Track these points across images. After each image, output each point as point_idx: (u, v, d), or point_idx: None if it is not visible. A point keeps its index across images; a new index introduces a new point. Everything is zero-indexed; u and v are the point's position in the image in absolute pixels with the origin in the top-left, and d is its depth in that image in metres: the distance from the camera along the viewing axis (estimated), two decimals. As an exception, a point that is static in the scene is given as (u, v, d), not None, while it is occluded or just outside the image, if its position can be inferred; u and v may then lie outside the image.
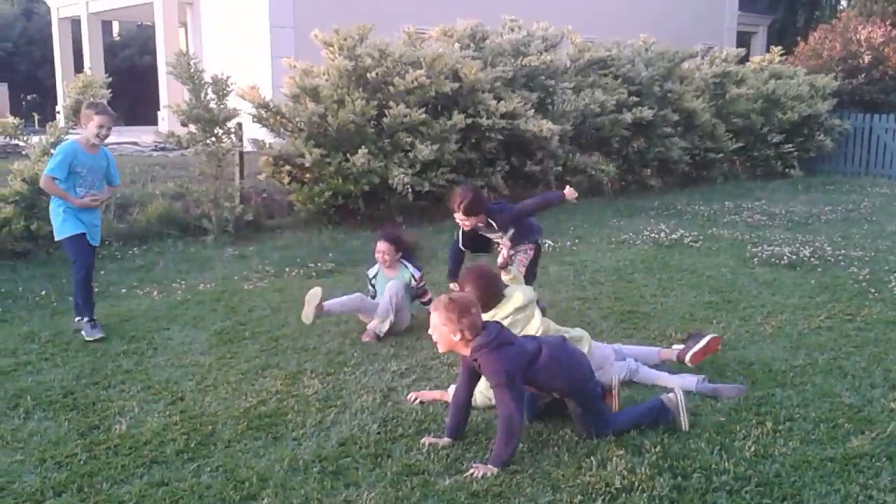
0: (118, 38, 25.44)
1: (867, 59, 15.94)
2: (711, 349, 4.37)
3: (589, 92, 10.96)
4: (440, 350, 3.59)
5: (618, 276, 6.77)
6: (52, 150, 7.56)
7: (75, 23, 20.17)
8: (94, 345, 4.98)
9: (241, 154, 9.35)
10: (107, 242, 7.56)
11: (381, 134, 9.10)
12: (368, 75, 9.03)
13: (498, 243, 5.06)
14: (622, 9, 18.74)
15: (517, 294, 4.21)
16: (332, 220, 9.19)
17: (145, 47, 22.76)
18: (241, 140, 9.15)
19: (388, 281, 5.29)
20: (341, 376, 4.41)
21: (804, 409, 3.88)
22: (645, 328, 5.29)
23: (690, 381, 4.12)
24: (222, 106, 8.46)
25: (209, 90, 8.42)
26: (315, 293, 5.11)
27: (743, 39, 23.25)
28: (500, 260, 4.54)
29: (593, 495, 3.09)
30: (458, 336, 3.41)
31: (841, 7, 26.91)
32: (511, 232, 5.06)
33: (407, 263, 5.43)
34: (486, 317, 3.78)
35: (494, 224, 5.02)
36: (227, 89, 8.47)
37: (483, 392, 3.74)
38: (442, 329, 3.44)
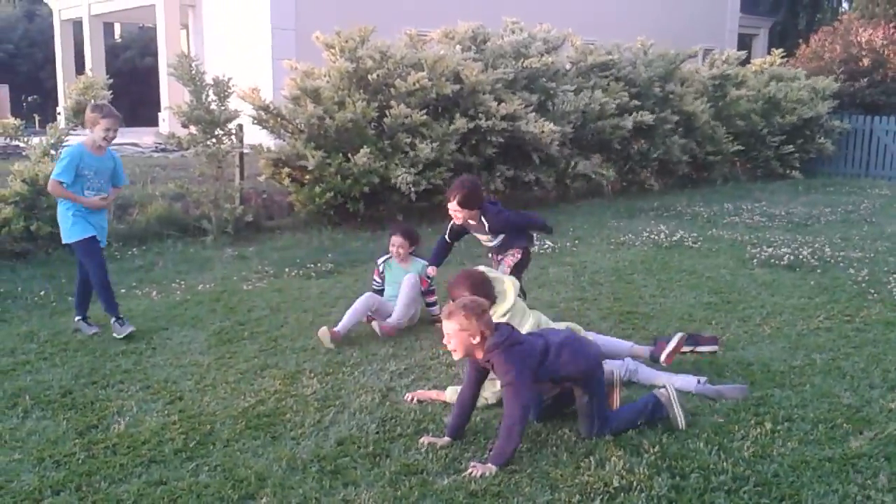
0: (120, 40, 25.46)
1: (868, 61, 15.94)
2: (680, 347, 4.38)
3: (588, 92, 10.96)
4: (457, 357, 3.55)
5: (617, 277, 6.78)
6: (52, 151, 7.60)
7: (77, 25, 20.20)
8: (92, 344, 4.99)
9: (242, 155, 9.36)
10: (107, 242, 7.54)
11: (382, 135, 9.10)
12: (369, 77, 9.03)
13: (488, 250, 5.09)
14: (623, 10, 18.75)
15: (509, 293, 4.24)
16: (332, 221, 9.20)
17: (147, 49, 22.79)
18: (241, 141, 9.16)
19: (403, 272, 5.37)
20: (340, 376, 4.41)
21: (803, 410, 3.88)
22: (644, 329, 5.28)
23: (690, 381, 4.13)
24: (223, 107, 8.47)
25: (210, 92, 8.43)
26: (323, 333, 4.92)
27: (744, 41, 23.26)
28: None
29: (591, 495, 3.09)
30: (478, 338, 3.41)
31: (842, 9, 26.96)
32: (500, 238, 5.01)
33: (416, 258, 5.54)
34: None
35: (486, 224, 4.94)
36: (228, 91, 8.48)
37: (480, 393, 3.74)
38: (461, 334, 3.42)
